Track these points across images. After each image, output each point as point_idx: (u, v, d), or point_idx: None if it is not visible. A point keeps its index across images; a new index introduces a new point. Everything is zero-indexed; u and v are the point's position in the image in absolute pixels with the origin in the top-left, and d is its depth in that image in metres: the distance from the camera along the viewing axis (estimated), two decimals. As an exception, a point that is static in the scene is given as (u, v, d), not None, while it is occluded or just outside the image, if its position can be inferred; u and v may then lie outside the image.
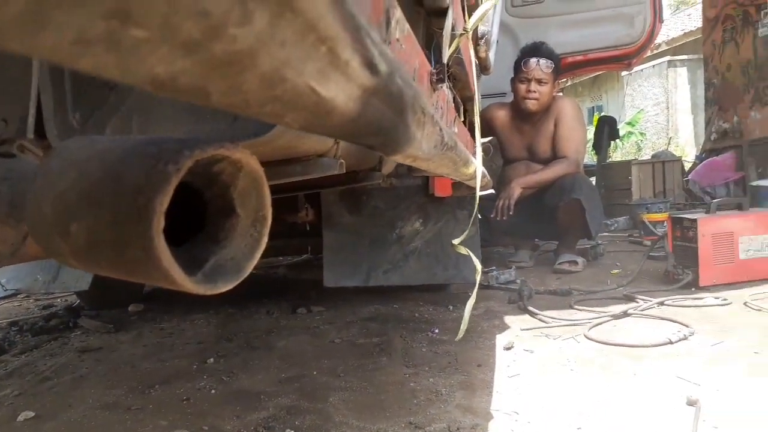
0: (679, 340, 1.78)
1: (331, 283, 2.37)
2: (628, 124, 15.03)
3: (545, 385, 1.52)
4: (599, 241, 3.48)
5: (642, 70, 14.46)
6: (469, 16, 1.15)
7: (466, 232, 1.44)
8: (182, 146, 0.45)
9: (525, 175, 3.12)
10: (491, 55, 1.79)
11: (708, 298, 2.27)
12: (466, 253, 1.31)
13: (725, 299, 2.23)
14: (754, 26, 5.41)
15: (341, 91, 0.27)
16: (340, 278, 2.38)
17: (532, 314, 2.23)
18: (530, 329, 2.06)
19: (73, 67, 0.18)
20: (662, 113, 15.29)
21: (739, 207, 2.59)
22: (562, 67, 3.37)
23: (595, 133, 6.54)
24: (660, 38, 15.15)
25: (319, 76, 0.24)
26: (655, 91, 15.20)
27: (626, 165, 5.49)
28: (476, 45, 1.66)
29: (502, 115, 3.25)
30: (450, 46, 1.02)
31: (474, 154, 1.84)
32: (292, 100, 0.24)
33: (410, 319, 2.30)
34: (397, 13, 0.49)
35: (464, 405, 1.42)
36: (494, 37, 1.85)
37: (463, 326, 1.44)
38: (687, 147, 13.43)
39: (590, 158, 8.19)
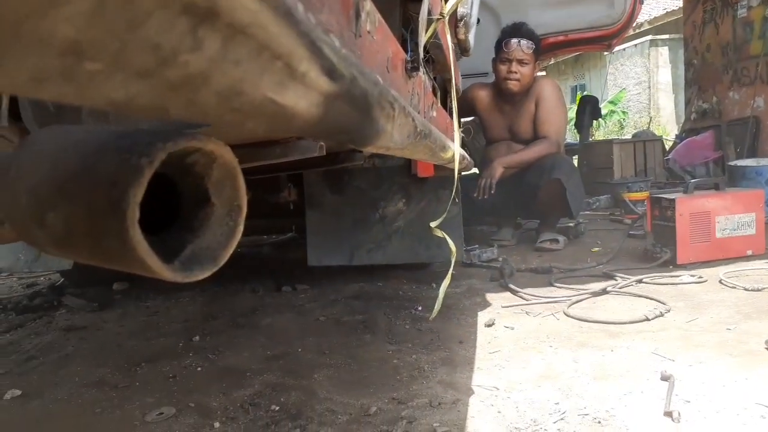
0: (656, 317, 1.83)
1: (314, 262, 2.39)
2: (611, 102, 15.12)
3: (525, 361, 1.56)
4: (580, 220, 3.53)
5: (624, 49, 14.51)
6: (446, 1, 1.16)
7: (443, 216, 1.45)
8: (155, 139, 0.46)
9: (507, 155, 3.14)
10: (471, 37, 1.79)
11: (684, 276, 2.33)
12: (442, 236, 1.33)
13: (701, 277, 2.28)
14: (733, 8, 5.45)
15: (301, 99, 0.27)
16: (323, 257, 2.40)
17: (513, 292, 2.27)
18: (511, 306, 2.10)
19: (33, 97, 0.19)
20: (644, 92, 15.39)
21: (716, 187, 2.65)
22: (543, 48, 3.38)
23: (577, 113, 6.58)
24: (642, 17, 15.17)
25: (277, 88, 0.25)
26: (637, 70, 15.28)
27: (608, 144, 5.54)
28: (455, 27, 1.66)
29: (483, 96, 3.26)
30: (427, 31, 1.03)
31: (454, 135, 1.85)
32: (251, 111, 0.25)
33: (393, 297, 2.33)
34: (368, 6, 0.50)
35: (446, 381, 1.46)
36: (474, 18, 1.84)
37: (437, 306, 1.47)
38: (668, 126, 13.56)
39: (572, 137, 8.25)
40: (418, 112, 0.97)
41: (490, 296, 2.27)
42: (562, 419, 1.21)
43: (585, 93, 15.14)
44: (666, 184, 4.93)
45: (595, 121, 8.40)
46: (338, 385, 1.47)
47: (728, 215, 2.53)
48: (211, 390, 1.49)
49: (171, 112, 0.22)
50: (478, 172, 3.63)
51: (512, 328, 1.86)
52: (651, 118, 11.97)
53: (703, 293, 2.10)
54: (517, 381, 1.43)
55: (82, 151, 0.50)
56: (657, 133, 12.54)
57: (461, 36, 1.73)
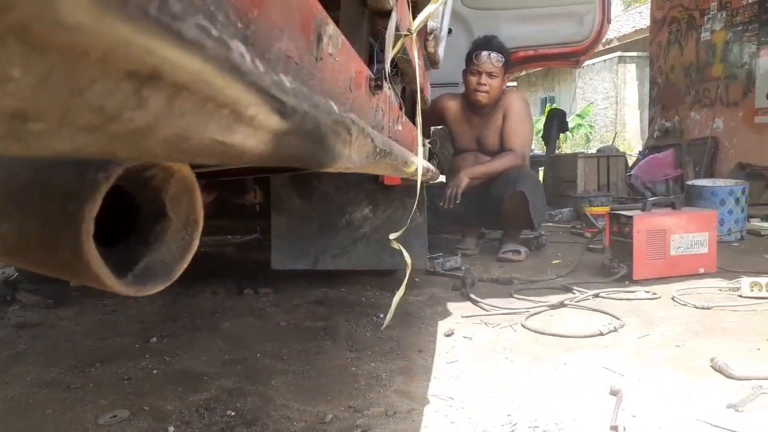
0: (609, 332, 1.88)
1: (278, 266, 2.39)
2: (578, 116, 15.40)
3: (481, 372, 1.59)
4: (542, 232, 3.60)
5: (594, 64, 14.81)
6: (415, 17, 1.18)
7: (403, 229, 1.47)
8: None
9: (473, 165, 3.19)
10: (440, 50, 1.82)
11: (639, 291, 2.40)
12: (399, 249, 1.35)
13: (654, 293, 2.35)
14: (698, 30, 5.63)
15: (250, 139, 0.28)
16: (287, 261, 2.40)
17: (474, 302, 2.31)
18: (471, 316, 2.13)
19: None
20: (611, 107, 15.72)
21: (673, 206, 2.73)
22: (513, 61, 3.44)
23: (545, 125, 6.70)
24: (611, 34, 15.50)
25: (224, 132, 0.26)
26: (605, 85, 15.61)
27: (573, 158, 5.65)
28: (425, 41, 1.69)
29: (453, 106, 3.30)
30: (394, 47, 1.05)
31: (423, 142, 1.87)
32: (199, 151, 0.26)
33: (356, 304, 2.35)
34: (330, 29, 0.51)
35: (402, 390, 1.47)
36: (444, 32, 1.87)
37: (389, 316, 1.49)
38: (633, 141, 13.88)
39: (540, 149, 8.38)
40: (382, 128, 0.99)
41: (451, 305, 2.30)
42: (512, 431, 1.24)
43: (554, 106, 15.37)
44: (627, 200, 5.06)
45: (562, 134, 8.56)
46: (295, 392, 1.47)
47: (683, 234, 2.61)
48: (166, 393, 1.47)
49: (119, 156, 0.23)
50: (444, 180, 3.67)
51: (471, 339, 1.89)
52: (617, 132, 12.25)
53: (656, 309, 2.16)
54: (472, 392, 1.46)
55: (36, 162, 0.50)
56: (622, 147, 12.83)
57: (431, 49, 1.76)
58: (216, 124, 0.24)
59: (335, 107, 0.42)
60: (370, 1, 0.91)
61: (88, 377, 1.60)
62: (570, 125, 15.08)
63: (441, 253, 3.09)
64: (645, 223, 2.57)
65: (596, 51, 5.15)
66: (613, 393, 1.39)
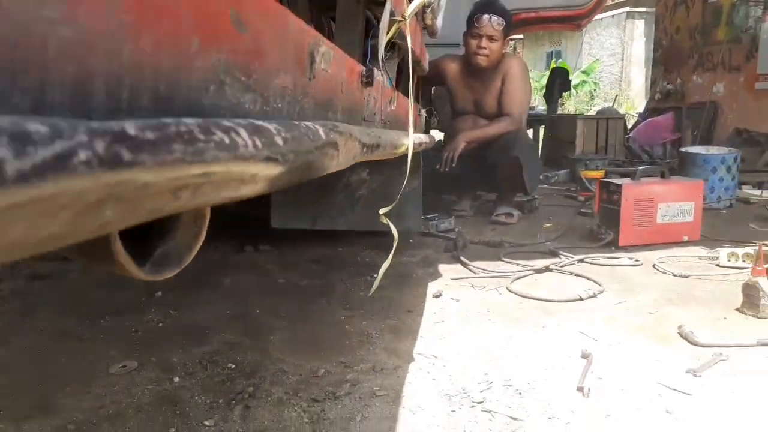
0: (589, 297, 1.99)
1: (277, 224, 2.48)
2: (583, 72, 15.24)
3: (465, 333, 1.71)
4: (536, 196, 3.68)
5: (601, 19, 14.56)
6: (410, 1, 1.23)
7: (391, 205, 1.55)
8: None
9: (471, 129, 3.25)
10: (439, 21, 1.87)
11: (623, 258, 2.50)
12: (387, 224, 1.43)
13: (637, 260, 2.46)
14: (706, -9, 5.57)
15: (250, 188, 0.37)
16: (287, 220, 2.49)
17: (464, 264, 2.41)
18: (460, 279, 2.24)
19: None
20: (617, 64, 15.52)
21: (662, 175, 2.81)
22: (515, 23, 3.45)
23: (547, 84, 6.69)
24: (622, -12, 15.15)
25: (232, 192, 0.34)
26: (612, 41, 15.36)
27: (572, 119, 5.68)
28: (423, 13, 1.74)
29: (453, 68, 3.34)
30: (389, 31, 1.11)
31: (416, 117, 1.94)
32: (209, 204, 0.34)
33: (352, 263, 2.45)
34: (322, 49, 0.59)
35: (390, 348, 1.59)
36: (443, 1, 1.92)
37: (375, 285, 1.60)
38: (637, 99, 13.78)
39: (543, 107, 8.37)
40: (374, 114, 1.07)
41: (443, 267, 2.41)
42: (488, 389, 1.36)
43: (559, 62, 15.19)
44: (624, 162, 5.12)
45: (565, 93, 8.52)
46: (292, 348, 1.59)
47: (670, 202, 2.70)
48: (171, 346, 1.59)
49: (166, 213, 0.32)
50: (443, 141, 3.73)
51: (458, 300, 2.00)
52: (617, 95, 12.15)
53: (637, 276, 2.27)
54: (455, 351, 1.57)
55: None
56: (625, 106, 12.73)
57: (428, 21, 1.81)
58: (226, 192, 0.33)
59: (322, 134, 0.50)
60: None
61: (99, 329, 1.72)
62: (574, 82, 14.98)
63: (437, 214, 3.19)
64: (633, 191, 2.65)
65: (597, 15, 5.12)
66: (584, 356, 1.51)
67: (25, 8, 0.21)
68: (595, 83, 15.08)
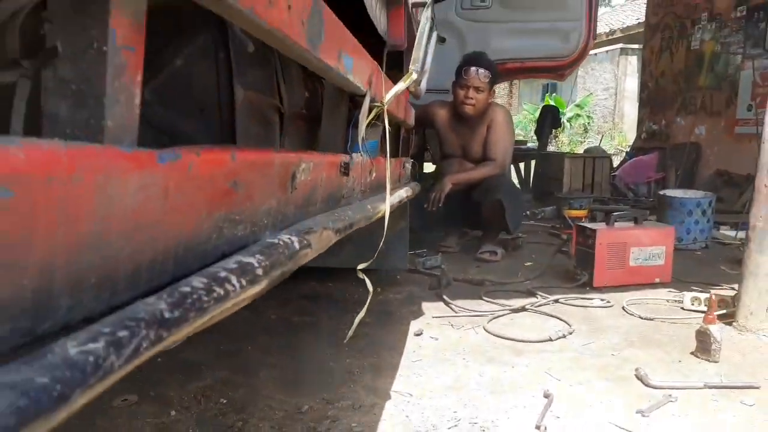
0: (558, 338, 2.14)
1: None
2: (577, 106, 15.52)
3: (440, 372, 1.85)
4: (520, 234, 3.85)
5: (596, 54, 14.90)
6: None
7: (370, 261, 1.71)
8: None
9: (458, 171, 3.44)
10: (423, 85, 2.05)
11: (596, 299, 2.65)
12: (363, 279, 1.59)
13: (608, 302, 2.61)
14: (688, 39, 5.82)
15: (240, 305, 0.53)
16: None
17: (446, 303, 2.56)
18: (440, 317, 2.39)
19: None
20: (610, 98, 15.83)
21: (635, 221, 2.98)
22: (502, 71, 3.67)
23: (538, 121, 6.91)
24: (615, 25, 15.54)
25: (228, 312, 0.50)
26: (606, 76, 15.69)
27: (561, 157, 5.88)
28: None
29: (442, 114, 3.54)
30: (369, 114, 1.28)
31: (403, 166, 2.11)
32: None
33: (341, 300, 2.61)
34: (303, 166, 0.75)
35: (370, 385, 1.74)
36: (428, 66, 2.10)
37: (351, 332, 1.75)
38: (630, 133, 14.02)
39: (533, 143, 8.59)
40: (353, 191, 1.23)
41: (426, 305, 2.56)
42: (455, 426, 1.50)
43: (553, 96, 15.49)
44: (609, 200, 5.30)
45: (557, 127, 8.73)
46: (279, 384, 1.73)
47: (642, 247, 2.87)
48: (169, 381, 1.73)
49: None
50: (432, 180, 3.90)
51: (436, 339, 2.15)
52: (603, 134, 12.42)
53: (606, 318, 2.42)
54: (429, 389, 1.72)
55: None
56: (618, 139, 12.96)
57: (412, 89, 1.99)
58: (223, 315, 0.49)
59: (296, 245, 0.66)
60: (347, 89, 1.14)
61: (102, 362, 1.86)
62: (568, 115, 15.24)
63: (425, 250, 3.35)
64: (607, 236, 2.82)
65: (592, 51, 5.34)
66: (546, 396, 1.65)
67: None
68: (588, 117, 15.36)
